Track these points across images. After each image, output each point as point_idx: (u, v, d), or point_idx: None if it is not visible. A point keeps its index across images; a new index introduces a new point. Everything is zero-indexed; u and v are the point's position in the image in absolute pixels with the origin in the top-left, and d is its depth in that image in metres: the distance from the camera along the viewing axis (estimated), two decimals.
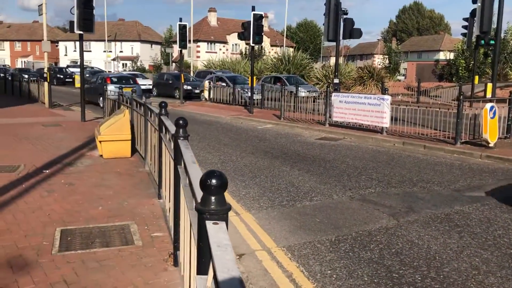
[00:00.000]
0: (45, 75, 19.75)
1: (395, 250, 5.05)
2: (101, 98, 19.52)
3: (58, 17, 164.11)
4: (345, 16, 16.34)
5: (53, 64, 60.73)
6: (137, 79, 31.26)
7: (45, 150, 9.70)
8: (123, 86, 18.36)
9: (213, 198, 1.91)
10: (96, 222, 5.38)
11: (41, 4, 19.07)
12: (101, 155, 9.10)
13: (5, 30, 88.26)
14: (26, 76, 31.73)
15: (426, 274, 4.46)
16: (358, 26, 16.50)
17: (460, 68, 38.99)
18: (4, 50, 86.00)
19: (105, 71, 44.87)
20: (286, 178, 8.31)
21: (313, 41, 78.94)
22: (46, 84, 19.79)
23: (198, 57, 58.54)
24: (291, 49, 44.66)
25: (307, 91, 22.37)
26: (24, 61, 74.99)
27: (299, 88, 22.23)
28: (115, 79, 23.64)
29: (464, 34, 21.95)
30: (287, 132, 14.57)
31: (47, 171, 7.79)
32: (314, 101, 17.62)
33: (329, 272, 4.51)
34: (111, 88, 19.42)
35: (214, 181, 1.88)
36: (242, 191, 7.37)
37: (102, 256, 4.44)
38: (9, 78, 28.38)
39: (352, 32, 16.43)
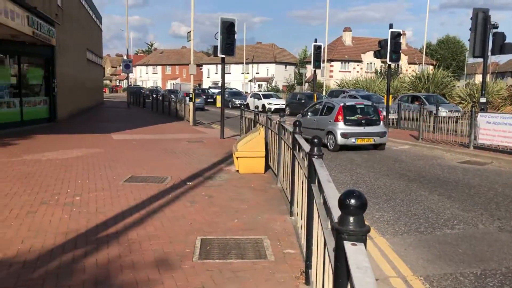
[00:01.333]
0: (190, 96, 21.57)
1: None
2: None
3: (202, 43, 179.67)
4: (494, 30, 14.98)
5: (197, 85, 66.01)
6: (271, 98, 35.13)
7: (189, 164, 10.53)
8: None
9: (351, 218, 1.87)
10: (232, 234, 5.65)
11: (190, 31, 21.01)
12: (237, 170, 9.57)
13: (158, 56, 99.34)
14: (174, 96, 35.03)
15: None
16: (510, 41, 15.00)
17: None
18: (157, 73, 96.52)
19: (243, 92, 48.04)
20: (424, 203, 7.81)
21: (456, 58, 73.86)
22: (191, 103, 21.60)
23: (331, 76, 58.62)
24: (431, 67, 42.28)
25: (449, 111, 20.87)
26: (173, 83, 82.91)
27: (440, 108, 20.87)
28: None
29: None
30: (425, 154, 13.74)
31: (190, 183, 8.44)
32: (456, 122, 16.35)
33: None
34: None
35: (353, 201, 1.85)
36: (376, 214, 7.11)
37: (237, 267, 4.63)
38: (160, 99, 31.58)
39: (503, 47, 14.94)
